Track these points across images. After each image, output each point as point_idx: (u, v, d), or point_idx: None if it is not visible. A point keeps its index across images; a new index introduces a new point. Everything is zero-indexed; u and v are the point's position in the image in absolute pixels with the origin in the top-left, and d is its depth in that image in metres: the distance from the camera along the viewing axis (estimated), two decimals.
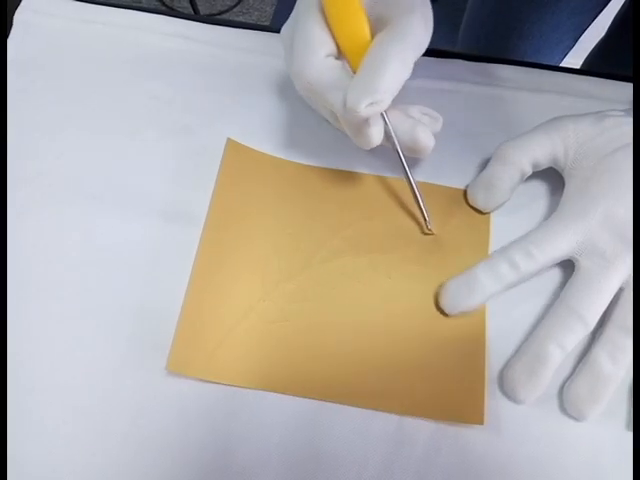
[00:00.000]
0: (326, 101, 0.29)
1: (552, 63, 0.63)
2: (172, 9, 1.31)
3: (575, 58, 0.65)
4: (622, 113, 0.31)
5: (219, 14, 1.35)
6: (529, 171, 0.32)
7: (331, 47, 0.29)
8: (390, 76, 0.26)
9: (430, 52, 0.38)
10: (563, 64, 0.63)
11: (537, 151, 0.31)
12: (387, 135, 0.29)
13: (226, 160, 0.33)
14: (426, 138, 0.30)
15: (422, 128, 0.30)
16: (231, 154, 0.33)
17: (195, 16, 0.39)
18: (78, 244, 0.31)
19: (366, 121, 0.28)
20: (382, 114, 0.29)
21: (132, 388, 0.28)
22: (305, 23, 0.28)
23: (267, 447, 0.28)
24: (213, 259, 0.31)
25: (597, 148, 0.30)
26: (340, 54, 0.29)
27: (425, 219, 0.32)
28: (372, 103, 0.26)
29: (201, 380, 0.28)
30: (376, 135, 0.29)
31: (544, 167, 0.32)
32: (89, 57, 0.37)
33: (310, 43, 0.28)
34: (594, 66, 0.62)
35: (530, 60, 0.59)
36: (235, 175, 0.33)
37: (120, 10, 0.38)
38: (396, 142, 0.30)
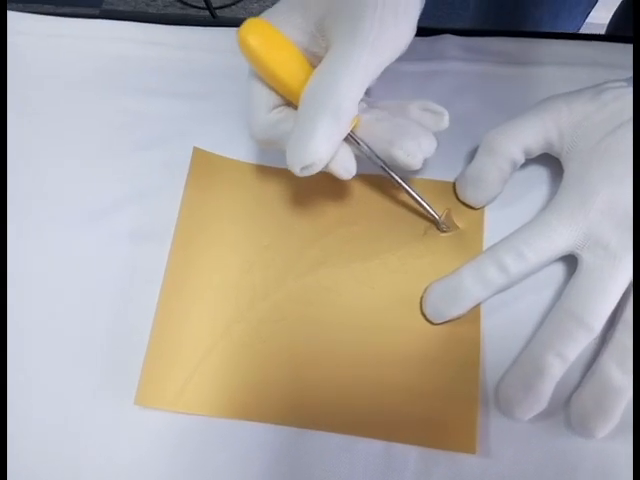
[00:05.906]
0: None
1: (573, 27, 0.58)
2: (185, 3, 1.29)
3: (598, 19, 0.60)
4: (623, 83, 0.27)
5: (233, 4, 1.33)
6: (521, 160, 0.29)
7: (274, 99, 0.26)
8: (320, 137, 0.23)
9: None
10: (585, 26, 0.58)
11: (528, 137, 0.28)
12: (367, 155, 0.26)
13: (193, 171, 0.31)
14: (405, 158, 0.26)
15: (398, 146, 0.25)
16: (198, 164, 0.31)
17: (166, 17, 0.37)
18: (40, 269, 0.30)
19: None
20: (352, 138, 0.26)
21: (102, 422, 0.27)
22: (248, 81, 0.26)
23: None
24: (182, 280, 0.29)
25: (596, 127, 0.27)
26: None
27: (437, 219, 0.29)
28: (306, 167, 0.24)
29: (173, 411, 0.27)
30: (343, 173, 0.26)
31: (538, 154, 0.29)
32: (55, 72, 0.35)
33: (251, 103, 0.26)
34: (620, 26, 0.57)
35: (547, 28, 0.54)
36: (203, 186, 0.31)
37: (84, 21, 0.36)
38: (378, 161, 0.26)
